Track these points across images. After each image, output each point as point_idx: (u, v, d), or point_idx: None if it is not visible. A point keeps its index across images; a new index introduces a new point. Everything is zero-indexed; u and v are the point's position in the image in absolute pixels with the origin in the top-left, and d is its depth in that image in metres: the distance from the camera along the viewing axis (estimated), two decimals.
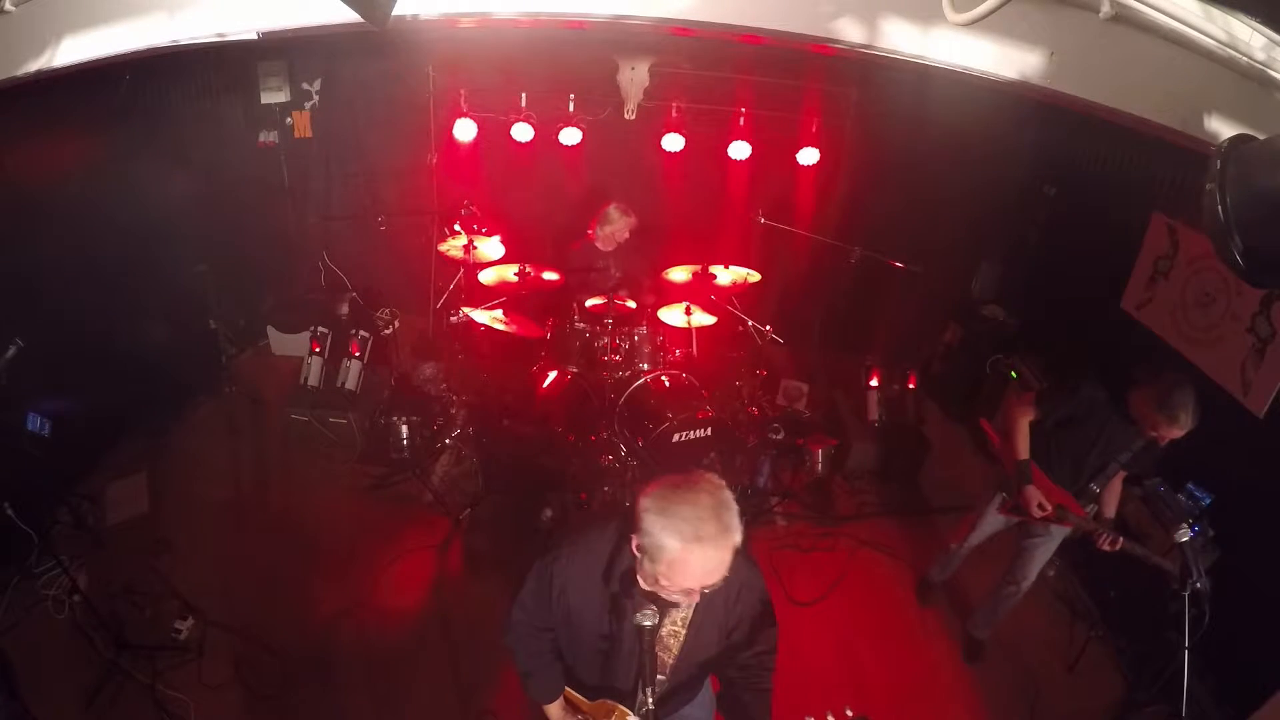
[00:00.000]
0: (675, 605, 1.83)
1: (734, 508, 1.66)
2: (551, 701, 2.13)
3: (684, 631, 1.89)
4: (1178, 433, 2.77)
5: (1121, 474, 3.16)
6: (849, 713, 1.67)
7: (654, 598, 1.76)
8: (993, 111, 3.73)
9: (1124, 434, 2.98)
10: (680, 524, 1.60)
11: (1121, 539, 3.03)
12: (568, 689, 2.14)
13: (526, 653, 2.06)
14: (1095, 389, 3.05)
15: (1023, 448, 3.12)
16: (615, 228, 4.63)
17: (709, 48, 4.59)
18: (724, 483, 1.70)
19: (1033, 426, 3.12)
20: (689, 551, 1.60)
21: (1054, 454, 3.14)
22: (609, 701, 2.08)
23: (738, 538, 1.65)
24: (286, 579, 3.84)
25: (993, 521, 3.45)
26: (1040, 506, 3.06)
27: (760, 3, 2.01)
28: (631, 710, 2.02)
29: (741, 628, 1.97)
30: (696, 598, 1.71)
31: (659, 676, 1.91)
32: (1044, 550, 3.35)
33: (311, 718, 3.22)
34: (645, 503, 1.66)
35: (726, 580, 1.86)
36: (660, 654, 1.89)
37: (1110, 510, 3.22)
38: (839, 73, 4.86)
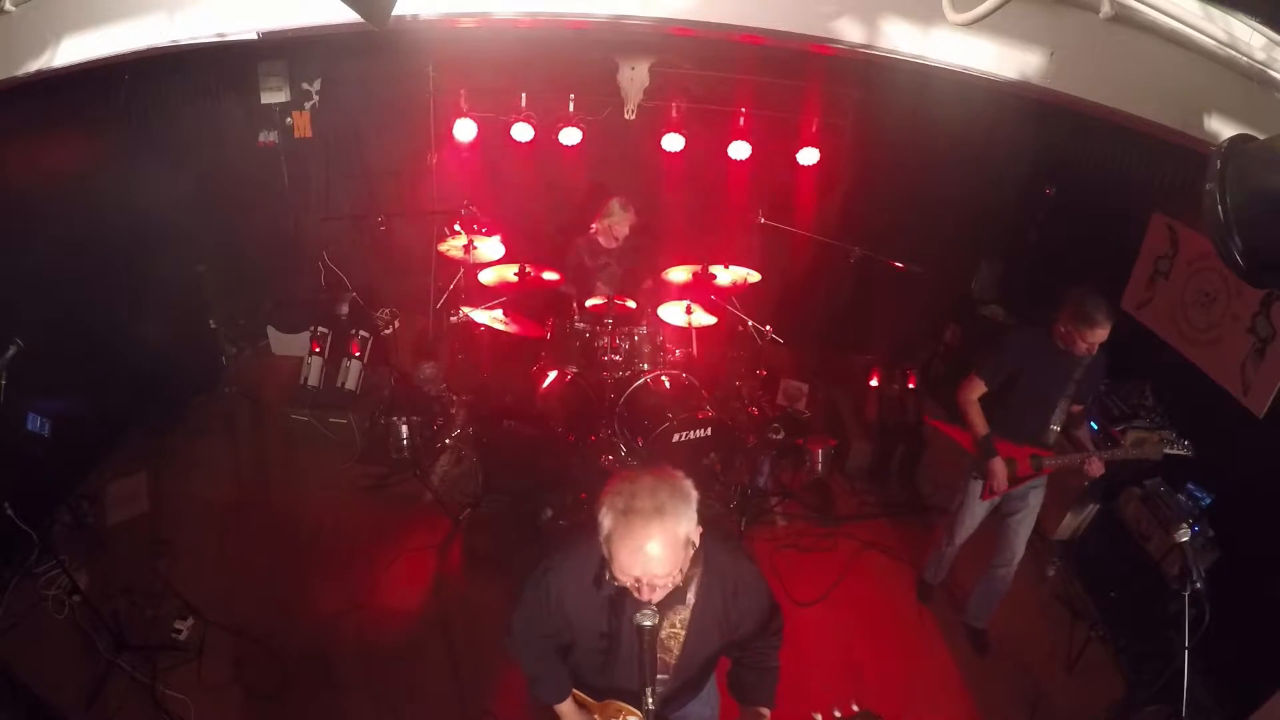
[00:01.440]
0: (675, 606, 1.83)
1: (679, 493, 1.66)
2: (561, 702, 2.14)
3: (684, 633, 1.89)
4: (1103, 334, 2.97)
5: (1077, 407, 3.32)
6: (855, 708, 1.67)
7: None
8: (993, 111, 3.74)
9: (1062, 366, 3.15)
10: (614, 498, 1.63)
11: (1098, 458, 3.21)
12: (575, 690, 2.14)
13: (531, 657, 2.07)
14: (1021, 335, 3.30)
15: (980, 423, 3.27)
16: (614, 220, 4.62)
17: (709, 48, 4.59)
18: (681, 475, 1.70)
19: (984, 399, 3.26)
20: (617, 526, 1.62)
21: (1011, 415, 3.26)
22: (616, 702, 2.08)
23: (679, 526, 1.64)
24: (286, 579, 3.84)
25: (978, 511, 3.49)
26: (1010, 479, 3.24)
27: (760, 3, 2.01)
28: (637, 710, 2.03)
29: (746, 622, 1.98)
30: (647, 595, 1.69)
31: (662, 677, 1.91)
32: (1026, 523, 3.44)
33: (311, 718, 3.22)
34: (609, 485, 1.71)
35: (720, 578, 1.87)
36: (662, 655, 1.89)
37: (1079, 429, 3.36)
38: (839, 73, 4.85)
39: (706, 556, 1.83)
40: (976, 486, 3.41)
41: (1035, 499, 3.40)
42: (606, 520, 1.64)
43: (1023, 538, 3.46)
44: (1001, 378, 3.25)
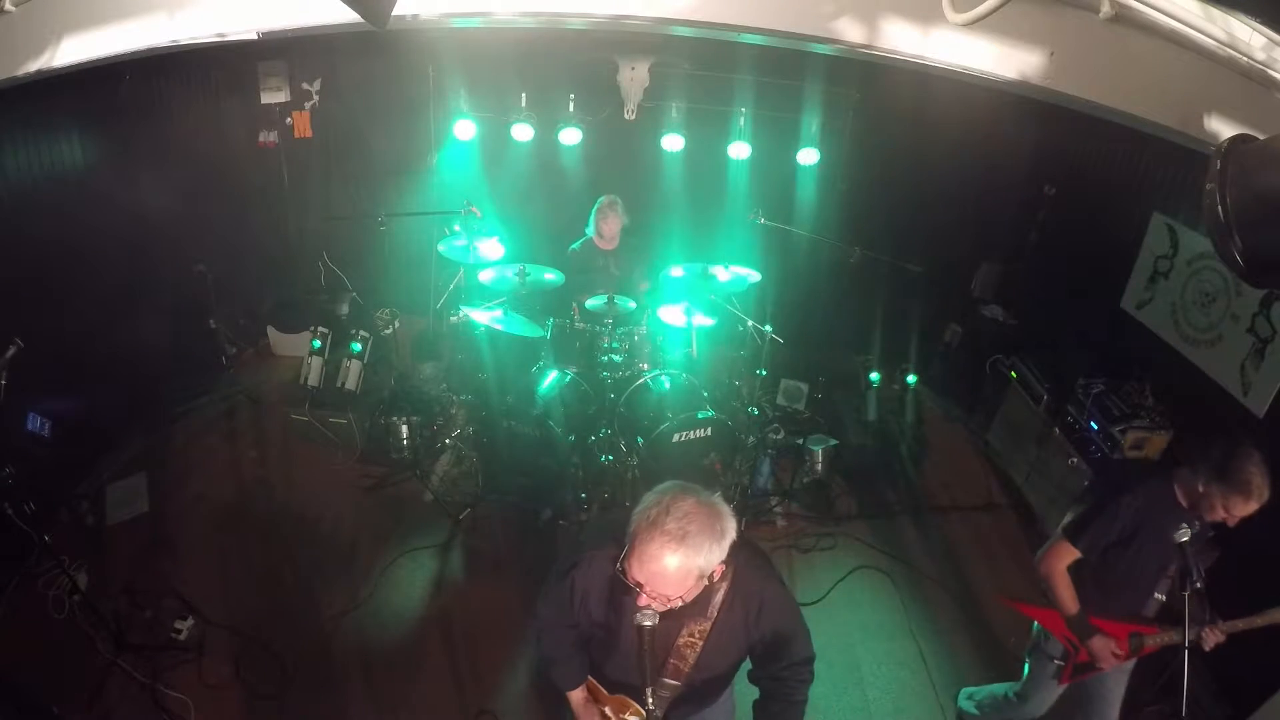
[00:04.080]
0: (696, 617, 1.85)
1: (712, 531, 1.64)
2: (574, 689, 2.16)
3: (700, 644, 1.90)
4: (1253, 506, 2.31)
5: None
6: None
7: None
8: (993, 111, 3.73)
9: (1179, 529, 2.47)
10: (652, 507, 1.64)
11: (1221, 628, 2.51)
12: (590, 678, 2.16)
13: (551, 643, 2.09)
14: (1137, 497, 2.55)
15: (1070, 599, 2.62)
16: (605, 217, 4.65)
17: (709, 47, 4.59)
18: (725, 513, 1.69)
19: (1077, 563, 2.63)
20: (641, 531, 1.63)
21: (1107, 585, 2.65)
22: (625, 698, 2.11)
23: (696, 559, 1.63)
24: (286, 579, 3.84)
25: (1052, 695, 2.90)
26: (1114, 653, 2.61)
27: (760, 3, 2.01)
28: (641, 707, 2.04)
29: (765, 645, 1.97)
30: (645, 601, 1.70)
31: (674, 682, 1.94)
32: (1121, 686, 2.80)
33: (311, 718, 3.23)
34: (661, 484, 1.72)
35: (745, 597, 1.88)
36: (675, 662, 1.91)
37: (1194, 606, 2.65)
38: (839, 73, 4.86)
39: (735, 574, 1.83)
40: (1049, 667, 2.81)
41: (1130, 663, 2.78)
42: (636, 518, 1.66)
43: (1117, 703, 2.79)
44: (1103, 545, 2.59)
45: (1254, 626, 2.50)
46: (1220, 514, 2.35)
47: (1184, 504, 2.47)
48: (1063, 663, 2.76)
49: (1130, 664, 2.75)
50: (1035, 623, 2.85)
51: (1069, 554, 2.61)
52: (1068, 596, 2.61)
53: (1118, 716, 2.79)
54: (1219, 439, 2.41)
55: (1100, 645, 2.61)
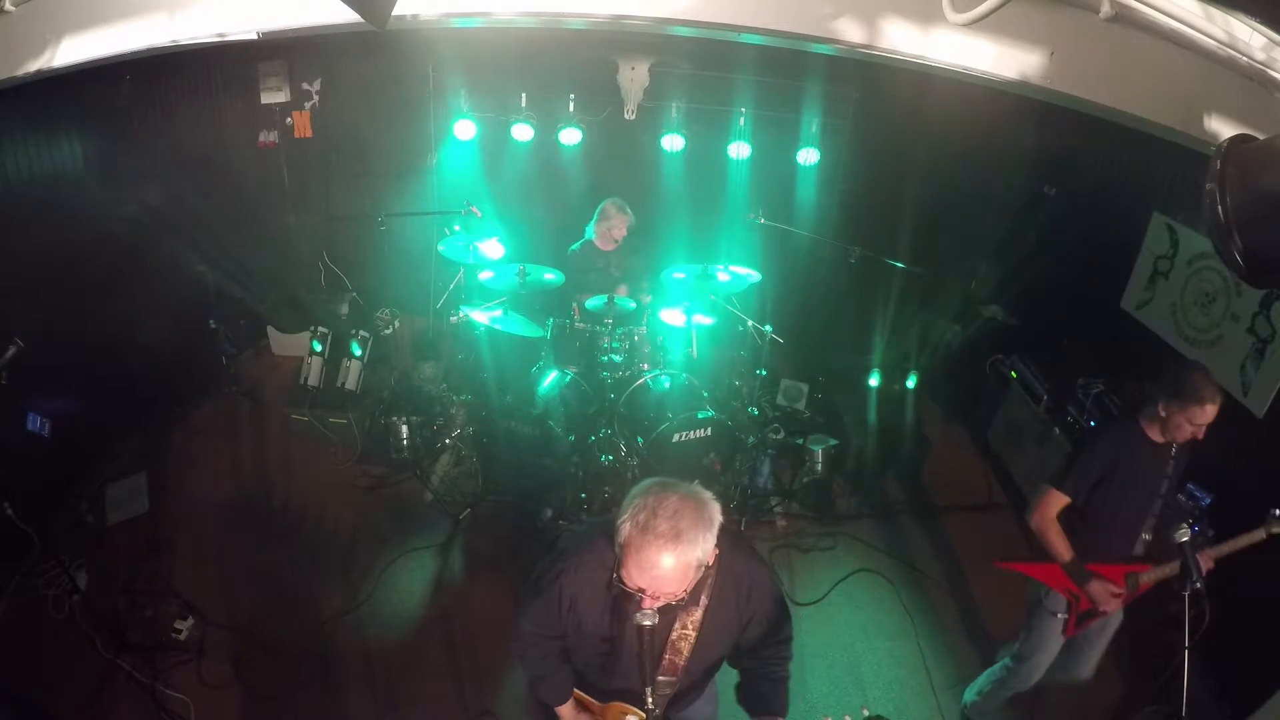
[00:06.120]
0: (688, 608, 1.83)
1: (702, 521, 1.63)
2: (563, 703, 2.14)
3: (694, 635, 1.89)
4: (1212, 412, 2.47)
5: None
6: (865, 711, 1.68)
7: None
8: (992, 111, 3.73)
9: (1154, 463, 2.68)
10: (637, 510, 1.62)
11: (1209, 554, 2.62)
12: (577, 690, 2.14)
13: (535, 659, 2.06)
14: (1108, 432, 2.76)
15: (1064, 547, 2.71)
16: (612, 223, 4.64)
17: (709, 48, 4.59)
18: (709, 500, 1.68)
19: (1065, 512, 2.73)
20: (633, 539, 1.61)
21: (1097, 530, 2.75)
22: (619, 704, 2.09)
23: (693, 552, 1.62)
24: (286, 579, 3.84)
25: (1054, 647, 2.96)
26: (1113, 594, 2.71)
27: (760, 3, 2.01)
28: (640, 710, 2.03)
29: (755, 625, 1.97)
30: (649, 603, 1.68)
31: (670, 679, 1.93)
32: (1106, 636, 2.96)
33: (311, 718, 3.23)
34: (637, 486, 1.70)
35: (734, 581, 1.88)
36: (671, 657, 1.90)
37: (1167, 528, 2.64)
38: (839, 73, 4.86)
39: (721, 560, 1.81)
40: (1053, 623, 2.87)
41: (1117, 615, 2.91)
42: (625, 527, 1.63)
43: (1099, 652, 2.95)
44: (1087, 485, 2.69)
45: (1238, 548, 2.65)
46: (1187, 431, 2.52)
47: (1157, 438, 2.63)
48: (1066, 615, 2.83)
49: (1116, 618, 2.90)
50: (1033, 580, 2.90)
51: (1057, 501, 2.71)
52: (1061, 545, 2.71)
53: (1095, 664, 2.97)
54: (1167, 367, 2.62)
55: (1099, 588, 2.69)
